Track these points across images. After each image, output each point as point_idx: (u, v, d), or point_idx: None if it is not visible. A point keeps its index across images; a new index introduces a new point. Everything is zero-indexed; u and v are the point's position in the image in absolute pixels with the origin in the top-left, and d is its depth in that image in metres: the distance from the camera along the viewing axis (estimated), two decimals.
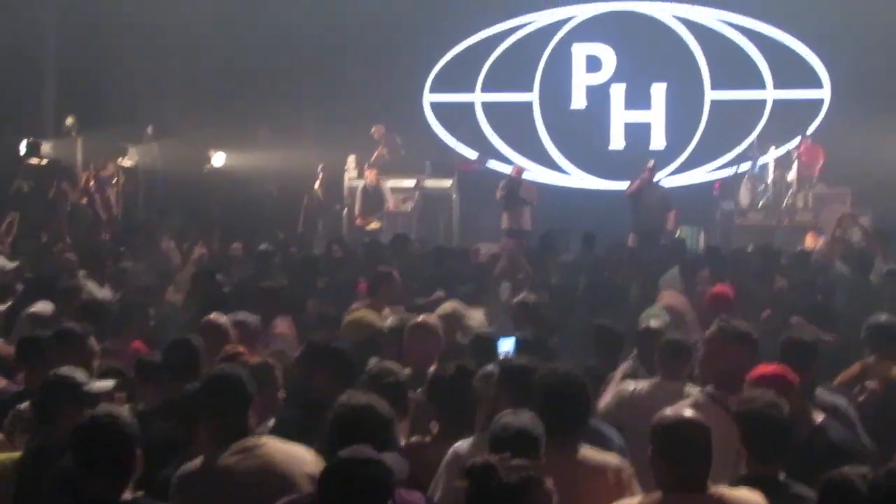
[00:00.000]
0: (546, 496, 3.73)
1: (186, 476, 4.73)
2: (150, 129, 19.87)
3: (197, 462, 4.77)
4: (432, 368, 6.38)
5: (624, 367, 6.89)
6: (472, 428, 5.27)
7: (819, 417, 5.51)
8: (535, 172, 20.76)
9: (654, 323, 7.34)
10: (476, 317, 8.11)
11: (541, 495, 3.71)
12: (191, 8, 19.60)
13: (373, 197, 18.37)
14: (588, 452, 4.90)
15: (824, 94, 20.31)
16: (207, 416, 4.90)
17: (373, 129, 19.57)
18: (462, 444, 5.06)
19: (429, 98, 21.59)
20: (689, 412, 4.65)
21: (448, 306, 8.17)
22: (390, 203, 18.50)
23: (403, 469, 4.04)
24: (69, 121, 19.39)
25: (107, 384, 5.46)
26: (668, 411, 4.64)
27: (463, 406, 5.36)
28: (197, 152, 20.07)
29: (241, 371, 5.03)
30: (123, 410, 4.56)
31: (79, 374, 5.38)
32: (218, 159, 20.29)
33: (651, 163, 17.40)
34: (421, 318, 7.22)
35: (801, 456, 4.86)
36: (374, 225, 18.22)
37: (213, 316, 7.44)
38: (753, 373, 5.56)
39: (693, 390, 6.00)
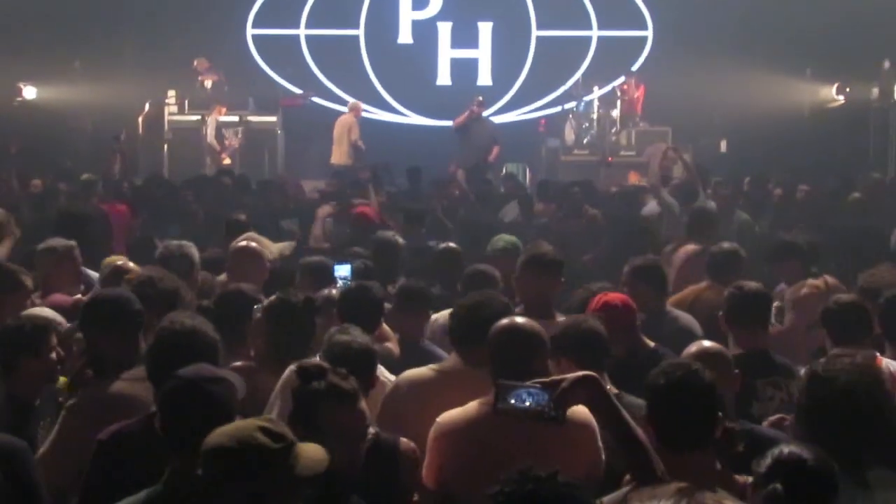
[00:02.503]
0: (360, 416, 3.81)
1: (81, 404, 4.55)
2: None
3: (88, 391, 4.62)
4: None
5: None
6: (302, 356, 5.12)
7: (650, 343, 5.63)
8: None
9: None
10: (274, 248, 7.92)
11: (357, 412, 3.79)
12: None
13: (222, 133, 18.08)
14: None
15: (647, 33, 20.61)
16: (96, 340, 4.75)
17: (195, 62, 18.93)
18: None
19: (251, 32, 21.01)
20: (519, 319, 4.65)
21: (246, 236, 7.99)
22: (233, 140, 18.13)
23: (243, 387, 3.86)
24: None
25: None
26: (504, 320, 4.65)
27: (301, 335, 5.27)
28: (6, 84, 19.06)
29: (129, 293, 4.86)
30: None
31: None
32: (29, 93, 19.34)
33: (479, 98, 17.41)
34: (244, 242, 7.18)
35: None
36: (227, 161, 17.84)
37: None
38: (597, 301, 5.60)
39: None
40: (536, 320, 5.27)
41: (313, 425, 3.65)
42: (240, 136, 18.45)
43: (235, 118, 18.54)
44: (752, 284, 6.02)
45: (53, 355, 4.85)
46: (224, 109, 18.15)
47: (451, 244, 7.98)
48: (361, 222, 9.97)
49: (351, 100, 18.88)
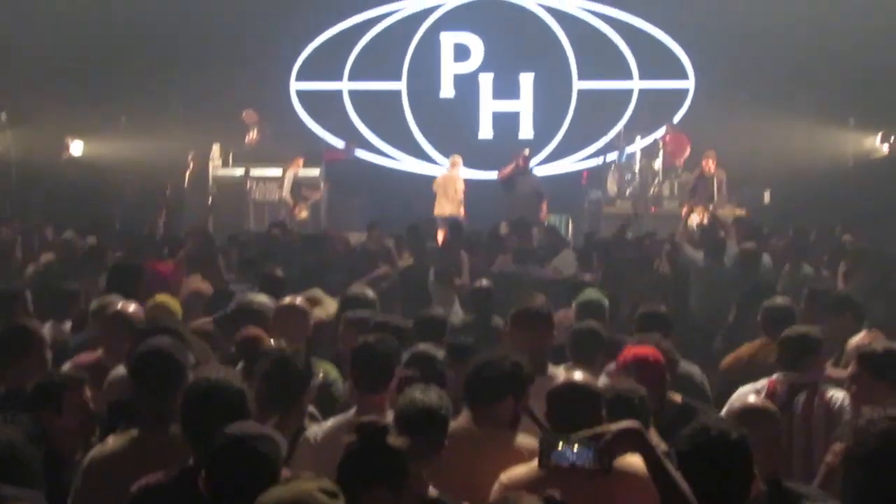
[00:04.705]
0: (419, 482, 3.85)
1: (105, 461, 4.53)
2: (2, 116, 19.05)
3: (120, 443, 4.58)
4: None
5: None
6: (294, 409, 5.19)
7: (677, 398, 5.65)
8: (404, 162, 20.72)
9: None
10: (332, 307, 7.94)
11: (414, 477, 3.80)
12: None
13: (299, 185, 18.20)
14: (523, 439, 4.86)
15: (689, 84, 20.61)
16: (140, 395, 4.74)
17: (244, 114, 19.10)
18: (316, 429, 5.05)
19: (295, 86, 21.23)
20: (577, 376, 4.70)
21: (310, 293, 8.15)
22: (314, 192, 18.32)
23: (284, 444, 3.88)
24: None
25: None
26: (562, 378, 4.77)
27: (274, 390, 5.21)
28: (53, 141, 19.32)
29: (173, 347, 4.84)
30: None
31: None
32: (76, 148, 19.58)
33: (526, 150, 17.51)
34: (288, 299, 7.17)
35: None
36: (303, 214, 17.93)
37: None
38: (627, 353, 5.62)
39: None
40: None
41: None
42: (322, 187, 18.55)
43: (278, 172, 18.60)
44: (801, 328, 6.19)
45: (87, 405, 4.93)
46: (302, 162, 18.22)
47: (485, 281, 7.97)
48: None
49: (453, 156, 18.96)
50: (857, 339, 6.82)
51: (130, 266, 8.96)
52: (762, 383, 6.04)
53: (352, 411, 5.14)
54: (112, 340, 6.45)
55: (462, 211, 17.82)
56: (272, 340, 6.22)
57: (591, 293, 7.86)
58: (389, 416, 4.73)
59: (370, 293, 7.83)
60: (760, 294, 8.61)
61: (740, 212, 16.78)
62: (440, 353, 5.80)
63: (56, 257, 11.59)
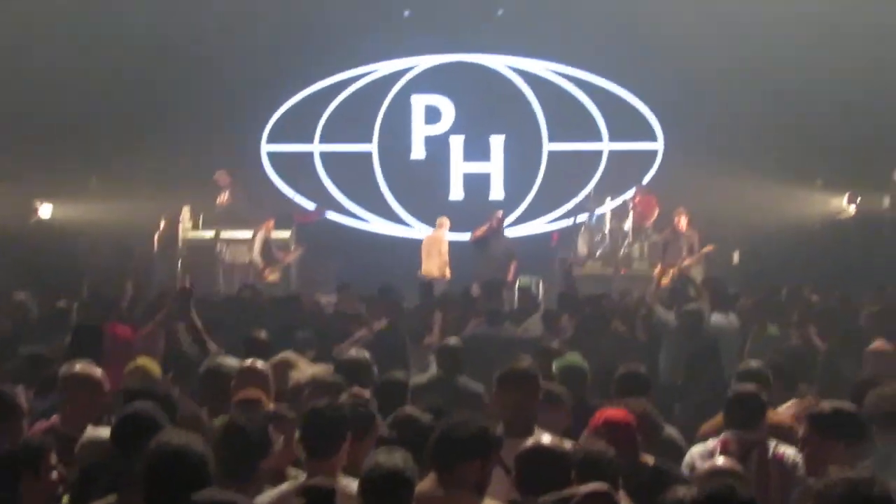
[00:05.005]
0: None
1: None
2: None
3: None
4: None
5: None
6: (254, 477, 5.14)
7: (650, 460, 5.64)
8: (375, 224, 20.75)
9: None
10: (309, 369, 7.88)
11: None
12: (15, 49, 18.87)
13: (270, 248, 18.07)
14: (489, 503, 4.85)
15: (658, 146, 20.77)
16: (120, 458, 4.80)
17: (216, 176, 19.05)
18: (265, 495, 5.01)
19: (266, 148, 21.25)
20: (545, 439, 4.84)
21: (283, 355, 8.08)
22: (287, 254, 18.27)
23: None
24: None
25: None
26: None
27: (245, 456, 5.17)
28: (22, 203, 19.20)
29: (154, 411, 4.90)
30: None
31: None
32: (45, 211, 19.46)
33: (500, 212, 17.59)
34: (249, 361, 7.09)
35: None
36: (273, 276, 17.78)
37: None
38: (598, 417, 5.61)
39: None
40: (516, 438, 5.35)
41: None
42: (295, 248, 18.50)
43: (248, 234, 18.51)
44: (748, 387, 6.29)
45: (54, 474, 4.88)
46: (272, 224, 18.17)
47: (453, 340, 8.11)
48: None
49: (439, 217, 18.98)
50: (783, 408, 6.86)
51: (92, 329, 8.88)
52: (712, 443, 6.08)
53: (302, 477, 5.11)
54: (69, 404, 6.34)
55: (447, 272, 17.87)
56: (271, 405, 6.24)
57: (571, 358, 7.82)
58: (341, 481, 4.72)
59: (367, 356, 7.76)
60: (703, 355, 8.63)
61: (710, 248, 16.94)
62: (424, 416, 5.79)
63: (10, 321, 11.44)
